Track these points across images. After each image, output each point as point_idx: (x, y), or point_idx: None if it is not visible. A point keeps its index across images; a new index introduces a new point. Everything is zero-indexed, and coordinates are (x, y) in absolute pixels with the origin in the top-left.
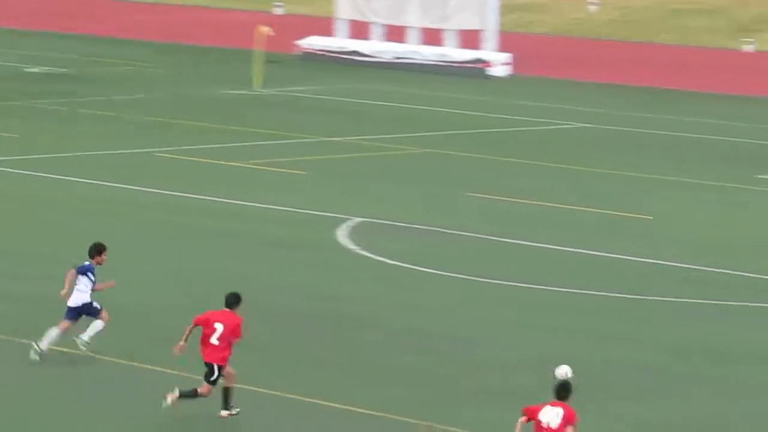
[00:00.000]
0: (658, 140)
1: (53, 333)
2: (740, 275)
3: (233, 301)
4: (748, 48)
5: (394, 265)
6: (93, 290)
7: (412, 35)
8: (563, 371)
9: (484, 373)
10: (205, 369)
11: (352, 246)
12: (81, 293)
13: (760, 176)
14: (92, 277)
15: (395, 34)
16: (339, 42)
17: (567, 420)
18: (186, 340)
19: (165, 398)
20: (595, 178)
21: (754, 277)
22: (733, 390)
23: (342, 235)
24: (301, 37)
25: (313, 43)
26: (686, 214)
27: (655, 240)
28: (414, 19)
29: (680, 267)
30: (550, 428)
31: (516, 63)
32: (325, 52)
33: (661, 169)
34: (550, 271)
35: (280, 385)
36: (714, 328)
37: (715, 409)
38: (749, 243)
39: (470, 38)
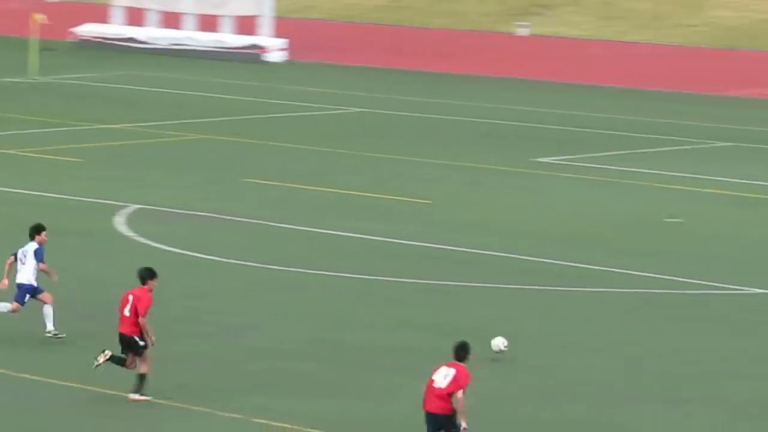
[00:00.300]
0: (434, 124)
1: (48, 310)
2: (519, 258)
3: (145, 275)
4: (522, 32)
5: (172, 251)
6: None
7: (188, 22)
8: (498, 343)
9: (261, 358)
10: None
11: (129, 233)
12: (29, 273)
13: (538, 159)
14: (42, 258)
15: (171, 20)
16: (115, 29)
17: (456, 382)
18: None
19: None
20: (373, 163)
21: (531, 260)
22: (509, 369)
23: (119, 222)
24: (77, 24)
25: (88, 30)
26: (465, 197)
27: (435, 224)
28: (189, 6)
29: (459, 251)
30: (440, 388)
31: (292, 48)
32: (100, 39)
33: (438, 153)
34: (329, 257)
35: (55, 373)
36: (488, 311)
37: (496, 385)
38: (528, 226)
39: (247, 24)
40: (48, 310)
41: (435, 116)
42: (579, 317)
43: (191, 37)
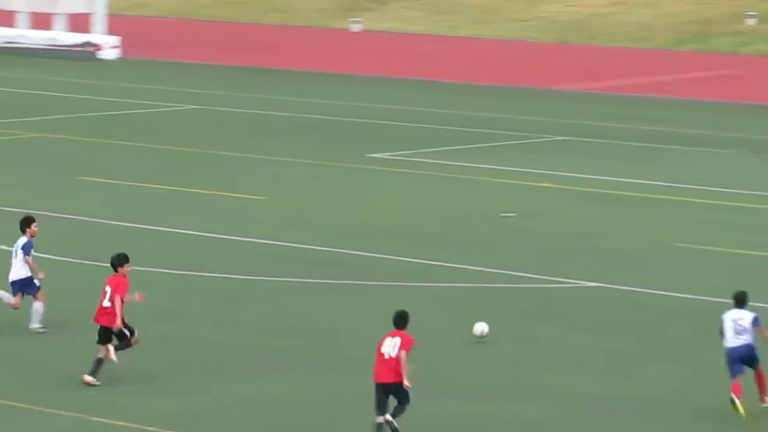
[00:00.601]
0: (269, 121)
1: (37, 306)
2: (354, 254)
3: (118, 262)
4: (355, 27)
5: (7, 250)
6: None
7: (21, 19)
8: (479, 329)
9: (75, 356)
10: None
11: None
12: (20, 268)
13: (372, 155)
14: (28, 251)
15: (4, 18)
16: None
17: (402, 346)
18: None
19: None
20: (208, 160)
21: (362, 255)
22: (338, 368)
23: None
24: None
25: None
26: (299, 193)
27: (269, 220)
28: (22, 4)
29: (293, 247)
30: (391, 358)
31: (125, 46)
32: None
33: (273, 149)
34: (164, 254)
35: None
36: (324, 305)
37: (343, 384)
38: (361, 222)
39: (80, 22)
40: (39, 308)
41: (269, 113)
42: (412, 312)
43: (24, 35)
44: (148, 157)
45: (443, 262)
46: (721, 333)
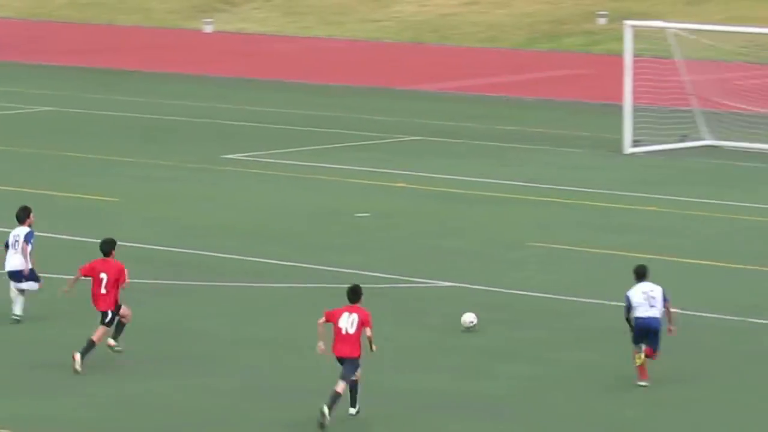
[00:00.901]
0: (123, 122)
1: (19, 298)
2: (206, 255)
3: (108, 248)
4: (208, 28)
5: None
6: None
7: None
8: (468, 319)
9: None
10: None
11: None
12: (22, 258)
13: (227, 156)
14: (30, 241)
15: None
16: None
17: (362, 323)
18: (72, 286)
19: (74, 364)
20: (60, 162)
21: (215, 256)
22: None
23: None
24: None
25: None
26: (153, 195)
27: (121, 221)
28: None
29: (147, 248)
30: (349, 334)
31: None
32: None
33: (126, 151)
34: None
35: None
36: (177, 308)
37: (185, 382)
38: (214, 222)
39: None
40: (22, 299)
41: (123, 114)
42: (263, 312)
43: None
44: (1, 159)
45: (297, 262)
46: (628, 308)
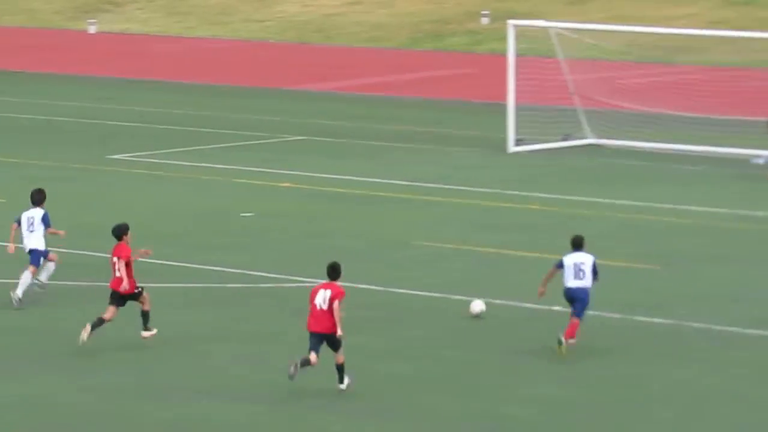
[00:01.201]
0: (7, 122)
1: (26, 278)
2: (90, 255)
3: (119, 233)
4: (92, 29)
5: None
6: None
7: None
8: (477, 307)
9: None
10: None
11: None
12: (40, 238)
13: (112, 156)
14: (49, 223)
15: None
16: None
17: (333, 297)
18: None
19: (81, 335)
20: None
21: (96, 256)
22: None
23: None
24: None
25: None
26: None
27: (8, 223)
28: None
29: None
30: (323, 310)
31: None
32: None
33: (11, 151)
34: None
35: None
36: (62, 308)
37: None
38: (100, 223)
39: None
40: (51, 266)
41: (7, 114)
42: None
43: None
44: None
45: (181, 262)
46: (558, 266)
